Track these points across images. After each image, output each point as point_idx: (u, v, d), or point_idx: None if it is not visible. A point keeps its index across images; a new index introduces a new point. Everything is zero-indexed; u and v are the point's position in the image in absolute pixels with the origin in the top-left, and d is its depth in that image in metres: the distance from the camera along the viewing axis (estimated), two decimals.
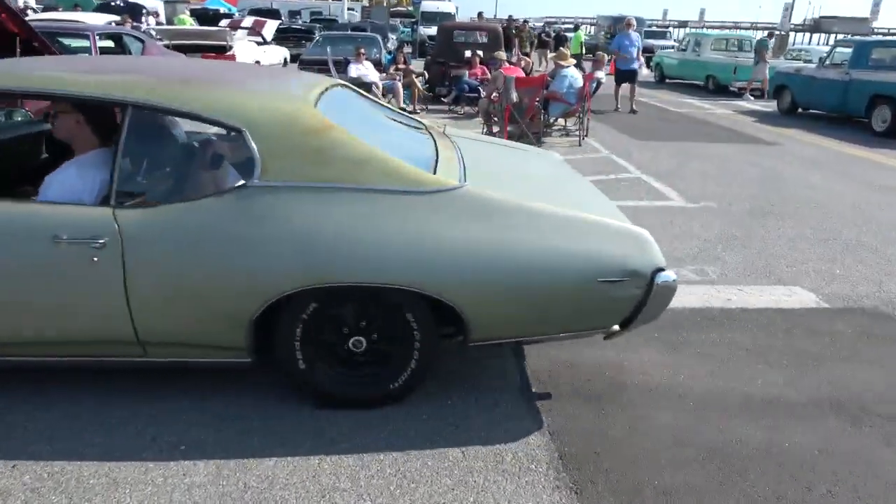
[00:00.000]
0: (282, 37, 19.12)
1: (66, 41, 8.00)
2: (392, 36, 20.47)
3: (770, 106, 13.55)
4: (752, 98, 14.89)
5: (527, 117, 8.74)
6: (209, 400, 2.72)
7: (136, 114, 2.43)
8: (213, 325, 2.45)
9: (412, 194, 2.44)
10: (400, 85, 11.01)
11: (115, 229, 2.34)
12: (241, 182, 2.41)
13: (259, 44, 15.16)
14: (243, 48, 13.16)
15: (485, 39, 13.17)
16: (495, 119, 8.99)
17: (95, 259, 2.33)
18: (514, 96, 8.47)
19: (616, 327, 2.66)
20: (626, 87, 12.40)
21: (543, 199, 2.66)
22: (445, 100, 12.03)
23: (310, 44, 15.35)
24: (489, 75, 11.33)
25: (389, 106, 3.84)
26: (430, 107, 11.85)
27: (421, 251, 2.38)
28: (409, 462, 2.44)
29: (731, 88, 15.89)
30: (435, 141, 3.23)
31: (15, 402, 2.68)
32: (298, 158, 2.42)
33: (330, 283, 2.39)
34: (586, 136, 9.33)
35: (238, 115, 2.43)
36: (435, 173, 2.65)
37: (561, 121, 9.74)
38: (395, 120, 3.59)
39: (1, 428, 2.53)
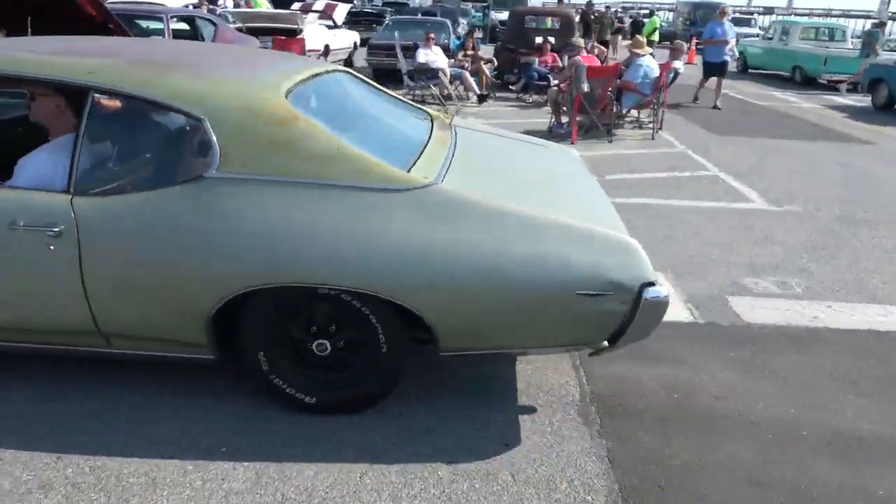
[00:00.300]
0: (353, 20, 19.15)
1: (144, 24, 8.18)
2: (463, 20, 20.17)
3: (864, 101, 12.62)
4: (844, 91, 13.91)
5: (598, 108, 8.38)
6: (255, 403, 2.64)
7: (99, 98, 2.36)
8: (171, 320, 2.36)
9: (377, 191, 2.28)
10: (468, 73, 10.79)
11: (72, 217, 2.26)
12: (199, 173, 2.29)
13: (329, 27, 15.22)
14: (313, 31, 13.22)
15: (557, 25, 12.77)
16: (564, 109, 8.67)
17: (52, 247, 2.27)
18: (586, 86, 8.13)
19: (605, 343, 2.42)
20: (712, 80, 11.59)
21: (532, 201, 2.48)
22: (513, 88, 11.75)
23: (380, 28, 15.31)
24: (560, 63, 10.97)
25: (396, 96, 3.64)
26: (497, 94, 11.59)
27: (380, 252, 2.23)
28: (455, 483, 2.28)
29: (821, 81, 14.89)
30: (431, 134, 3.03)
31: (70, 390, 2.68)
32: (260, 150, 2.30)
33: (284, 283, 2.26)
34: (660, 129, 8.88)
35: (198, 103, 2.31)
36: (410, 169, 2.45)
37: (634, 112, 9.32)
38: (395, 111, 3.41)
39: (52, 416, 2.52)
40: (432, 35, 10.84)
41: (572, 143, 7.96)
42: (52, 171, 2.40)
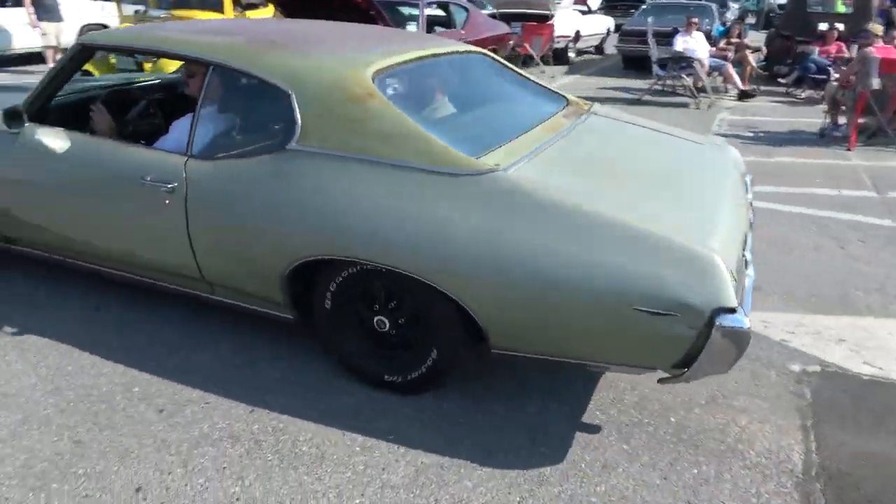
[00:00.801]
0: (609, 5, 18.50)
1: (405, 10, 8.68)
2: (734, 4, 18.32)
3: None
4: None
5: (889, 111, 6.97)
6: (440, 395, 2.58)
7: (215, 72, 2.64)
8: (253, 276, 2.57)
9: (437, 174, 2.24)
10: (730, 65, 9.70)
11: (183, 177, 2.55)
12: (283, 145, 2.43)
13: (583, 13, 14.83)
14: (565, 17, 12.98)
15: (850, 9, 10.90)
16: (843, 108, 7.36)
17: (167, 202, 2.56)
18: (876, 82, 6.78)
19: (677, 371, 2.09)
20: None
21: (617, 200, 2.25)
22: (784, 81, 10.32)
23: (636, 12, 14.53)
24: (846, 53, 9.36)
25: (533, 80, 3.47)
26: (762, 87, 10.27)
27: (428, 236, 2.19)
28: None
29: None
30: (544, 121, 2.90)
31: (259, 356, 2.87)
32: (335, 126, 2.40)
33: (343, 257, 2.35)
34: None
35: (287, 79, 2.47)
36: (483, 156, 2.33)
37: None
38: (520, 95, 3.33)
39: (246, 376, 2.72)
40: (694, 20, 9.90)
41: (849, 148, 6.72)
42: (180, 137, 2.69)
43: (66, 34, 9.78)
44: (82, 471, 2.16)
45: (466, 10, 8.88)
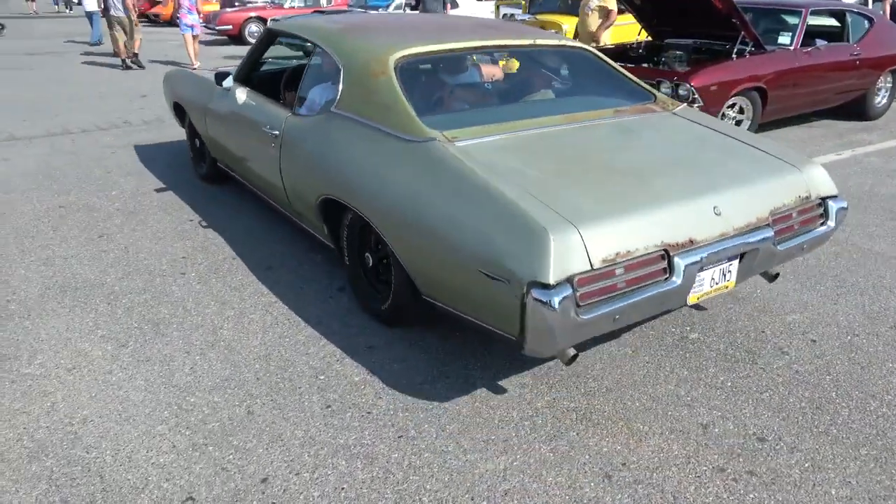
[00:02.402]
0: None
1: (789, 18, 7.45)
2: None
3: None
4: None
5: None
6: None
7: (316, 50, 3.49)
8: (304, 203, 3.29)
9: (399, 139, 2.70)
10: None
11: (283, 128, 3.40)
12: (329, 108, 3.14)
13: None
14: None
15: None
16: None
17: (272, 144, 3.48)
18: None
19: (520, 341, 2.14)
20: None
21: (537, 185, 2.35)
22: None
23: None
24: None
25: (625, 75, 3.59)
26: None
27: (379, 188, 2.66)
28: None
29: None
30: (578, 111, 3.13)
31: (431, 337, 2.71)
32: (357, 95, 3.00)
33: (339, 198, 2.92)
34: None
35: (343, 56, 3.17)
36: (449, 130, 2.66)
37: None
38: (578, 86, 3.77)
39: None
40: None
41: None
42: (318, 100, 3.41)
43: None
44: (237, 442, 2.30)
45: (870, 20, 7.20)
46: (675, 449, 2.30)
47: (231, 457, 2.23)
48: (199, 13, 12.16)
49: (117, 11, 11.68)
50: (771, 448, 2.30)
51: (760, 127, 6.58)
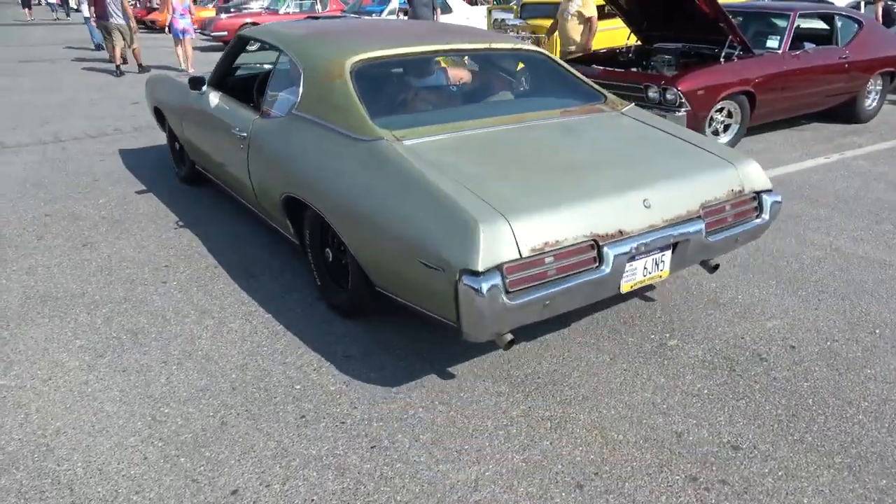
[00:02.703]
0: None
1: (779, 21, 7.46)
2: None
3: None
4: None
5: None
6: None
7: (280, 54, 3.62)
8: (269, 201, 3.44)
9: (351, 138, 2.85)
10: None
11: (250, 129, 3.55)
12: (291, 110, 3.29)
13: None
14: None
15: None
16: None
17: (241, 146, 3.62)
18: None
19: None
20: None
21: (474, 179, 2.50)
22: None
23: None
24: None
25: (579, 78, 3.72)
26: None
27: (331, 184, 2.82)
28: None
29: None
30: (525, 112, 3.28)
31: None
32: (315, 97, 3.15)
33: (297, 195, 3.07)
34: None
35: (305, 60, 3.32)
36: (397, 129, 2.82)
37: None
38: (530, 89, 3.99)
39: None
40: None
41: None
42: (283, 103, 3.50)
43: None
44: (209, 454, 2.29)
45: (859, 23, 7.21)
46: (648, 458, 2.29)
47: (202, 468, 2.22)
48: (191, 15, 12.15)
49: (117, 19, 11.69)
50: (745, 456, 2.30)
51: (749, 130, 6.59)
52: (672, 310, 3.29)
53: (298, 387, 2.66)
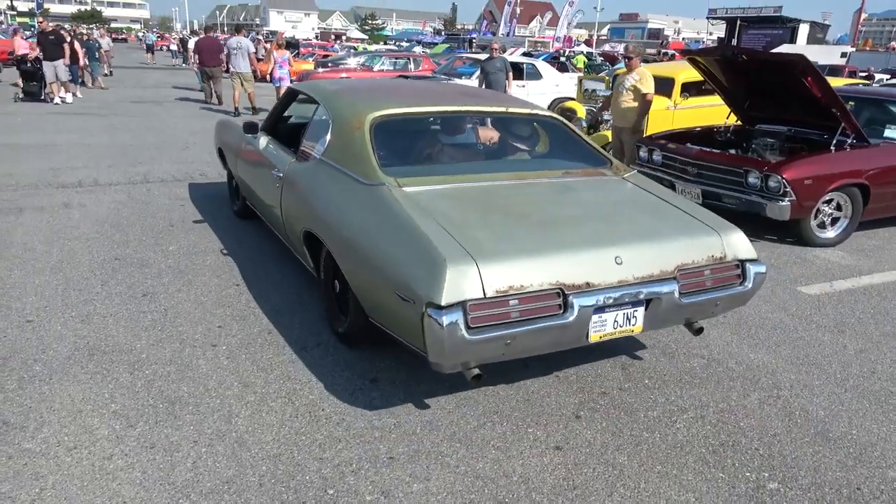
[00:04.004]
0: None
1: (893, 108, 6.88)
2: None
3: None
4: None
5: None
6: None
7: (318, 107, 4.03)
8: (294, 236, 3.74)
9: (361, 183, 3.18)
10: None
11: (286, 171, 3.93)
12: (319, 155, 3.66)
13: None
14: None
15: None
16: None
17: (277, 185, 4.03)
18: None
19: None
20: None
21: (459, 227, 2.73)
22: None
23: None
24: None
25: (584, 139, 4.04)
26: None
27: (339, 221, 3.13)
28: None
29: None
30: (530, 171, 3.63)
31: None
32: (338, 146, 3.53)
33: (309, 229, 3.44)
34: None
35: (333, 112, 3.75)
36: (403, 178, 3.14)
37: None
38: (544, 149, 4.19)
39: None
40: None
41: None
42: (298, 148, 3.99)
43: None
44: None
45: None
46: None
47: None
48: (290, 67, 13.15)
49: (240, 67, 12.72)
50: None
51: (861, 225, 5.98)
52: (772, 440, 2.81)
53: (332, 491, 2.36)
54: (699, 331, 3.22)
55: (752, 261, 3.09)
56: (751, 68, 6.33)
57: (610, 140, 7.82)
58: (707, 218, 3.20)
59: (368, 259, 2.79)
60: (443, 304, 2.35)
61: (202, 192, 6.64)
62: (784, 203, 5.36)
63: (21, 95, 13.05)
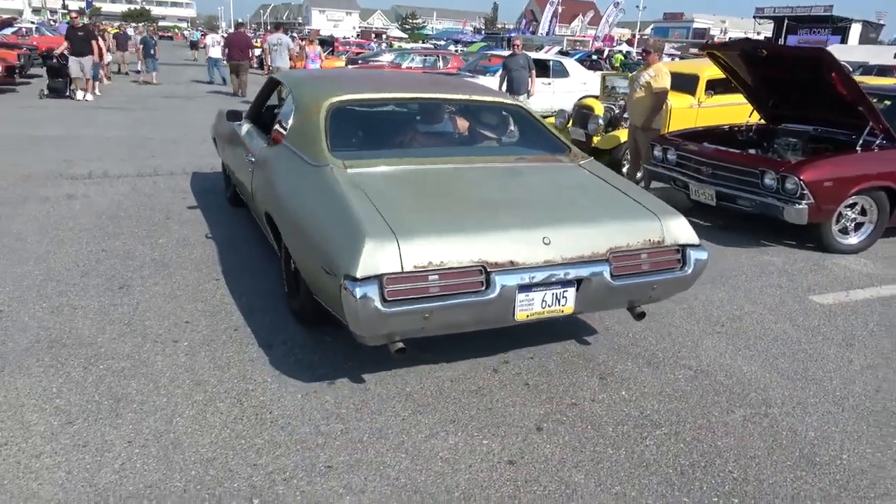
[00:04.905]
0: None
1: None
2: None
3: None
4: None
5: None
6: None
7: (289, 94, 4.15)
8: (261, 218, 3.88)
9: (310, 164, 3.30)
10: None
11: (258, 155, 4.09)
12: (284, 140, 3.79)
13: None
14: None
15: None
16: None
17: (249, 168, 4.20)
18: None
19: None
20: None
21: (395, 205, 2.82)
22: None
23: None
24: None
25: (544, 126, 4.08)
26: None
27: (288, 200, 3.29)
28: None
29: None
30: (479, 155, 3.83)
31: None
32: (297, 130, 3.66)
33: (268, 211, 3.59)
34: None
35: (299, 99, 3.85)
36: (349, 160, 3.24)
37: None
38: (497, 134, 4.27)
39: None
40: None
41: None
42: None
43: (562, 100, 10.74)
44: None
45: None
46: None
47: None
48: (321, 62, 13.48)
49: (282, 62, 13.02)
50: None
51: (888, 231, 5.60)
52: (749, 463, 2.57)
53: (256, 501, 2.23)
54: (640, 315, 3.20)
55: (693, 246, 3.09)
56: (774, 64, 5.99)
57: (623, 141, 7.53)
58: (651, 204, 3.21)
59: (306, 236, 2.92)
60: (358, 276, 2.43)
61: (206, 184, 6.61)
62: (801, 206, 5.04)
63: (46, 92, 13.20)
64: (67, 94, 13.24)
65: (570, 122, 8.54)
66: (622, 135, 7.62)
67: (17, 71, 14.53)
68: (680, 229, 3.08)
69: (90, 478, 2.29)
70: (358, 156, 3.33)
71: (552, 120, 8.78)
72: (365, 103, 3.85)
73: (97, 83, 14.32)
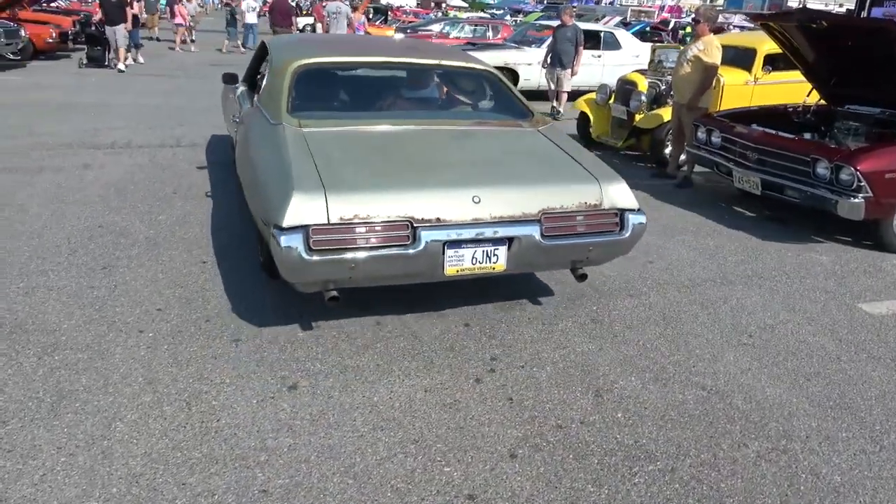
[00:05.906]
0: None
1: None
2: None
3: None
4: None
5: None
6: None
7: (270, 57, 4.17)
8: (239, 180, 3.90)
9: (270, 122, 3.45)
10: None
11: (242, 115, 4.27)
12: (256, 102, 4.02)
13: None
14: None
15: None
16: None
17: (235, 130, 4.44)
18: None
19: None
20: None
21: (341, 165, 2.99)
22: None
23: None
24: None
25: (514, 92, 4.12)
26: None
27: (249, 157, 3.46)
28: None
29: None
30: (440, 119, 3.93)
31: None
32: (267, 92, 3.78)
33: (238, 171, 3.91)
34: None
35: (275, 61, 3.90)
36: (307, 119, 3.39)
37: None
38: (464, 100, 4.34)
39: None
40: None
41: None
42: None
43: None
44: None
45: None
46: None
47: None
48: (365, 30, 13.44)
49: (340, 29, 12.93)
50: None
51: None
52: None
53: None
54: (582, 277, 3.28)
55: (632, 210, 3.15)
56: (836, 37, 5.33)
57: (666, 120, 6.95)
58: (595, 169, 3.28)
59: (256, 190, 3.09)
60: (284, 225, 2.61)
61: (225, 156, 6.44)
62: (857, 200, 4.47)
63: (85, 61, 13.12)
64: (106, 63, 13.13)
65: (612, 97, 7.96)
66: (665, 113, 7.03)
67: (71, 37, 14.70)
68: (619, 194, 3.15)
69: (3, 490, 2.10)
70: (316, 116, 3.48)
71: (593, 96, 8.21)
72: (334, 66, 4.00)
73: (134, 50, 14.15)
